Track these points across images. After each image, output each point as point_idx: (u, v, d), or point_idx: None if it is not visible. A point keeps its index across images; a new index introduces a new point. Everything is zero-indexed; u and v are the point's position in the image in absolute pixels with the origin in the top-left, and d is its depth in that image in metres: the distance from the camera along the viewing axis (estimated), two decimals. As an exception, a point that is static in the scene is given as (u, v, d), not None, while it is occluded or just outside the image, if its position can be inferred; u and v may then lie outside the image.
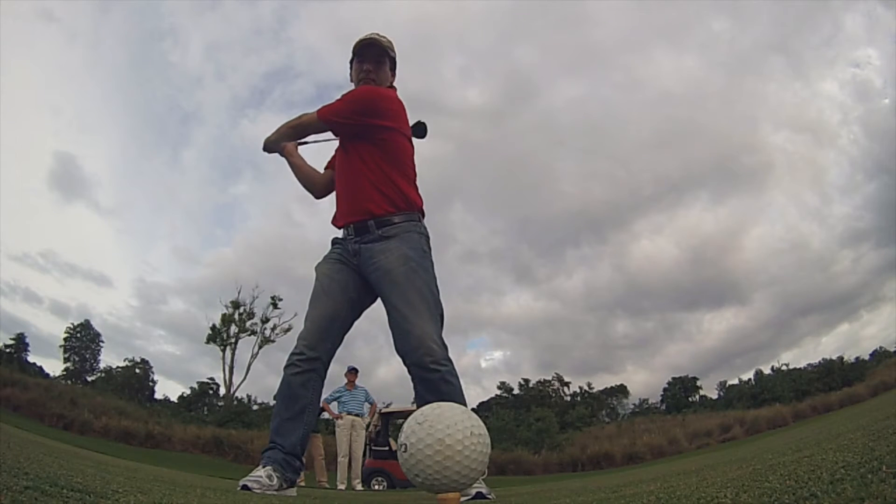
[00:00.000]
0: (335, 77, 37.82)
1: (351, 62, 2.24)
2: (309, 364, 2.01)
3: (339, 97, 2.16)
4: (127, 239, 39.70)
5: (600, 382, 30.73)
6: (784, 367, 24.97)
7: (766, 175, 34.78)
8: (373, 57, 2.17)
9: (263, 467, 1.90)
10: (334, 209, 2.25)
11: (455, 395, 1.85)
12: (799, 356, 32.22)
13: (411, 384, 1.97)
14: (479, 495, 1.78)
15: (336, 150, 2.32)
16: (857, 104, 33.76)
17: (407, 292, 1.95)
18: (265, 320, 23.87)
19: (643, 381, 40.56)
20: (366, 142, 2.12)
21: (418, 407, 1.91)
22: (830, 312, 30.86)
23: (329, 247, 2.24)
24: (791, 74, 36.28)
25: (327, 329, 2.07)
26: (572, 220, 38.24)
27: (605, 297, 37.60)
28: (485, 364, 35.63)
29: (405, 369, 1.93)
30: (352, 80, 2.26)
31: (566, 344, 37.25)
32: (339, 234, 2.23)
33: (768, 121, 36.88)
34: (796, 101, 34.44)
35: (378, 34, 2.20)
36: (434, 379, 1.87)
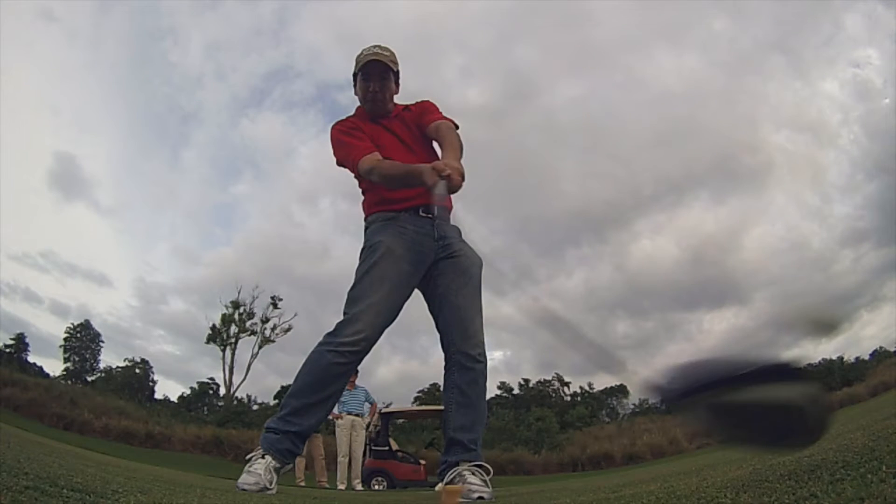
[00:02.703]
0: (335, 77, 37.69)
1: (354, 76, 2.20)
2: (357, 357, 1.92)
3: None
4: (127, 239, 39.86)
5: (600, 382, 30.68)
6: (784, 367, 24.93)
7: (766, 175, 34.79)
8: (377, 75, 2.14)
9: (263, 457, 1.83)
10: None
11: (484, 391, 2.03)
12: (799, 356, 32.11)
13: (443, 378, 2.03)
14: (481, 500, 1.78)
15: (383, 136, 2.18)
16: (857, 104, 33.78)
17: (475, 292, 2.07)
18: (265, 320, 23.95)
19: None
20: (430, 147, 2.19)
21: (447, 397, 1.98)
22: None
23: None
24: (791, 74, 36.32)
25: (387, 323, 1.97)
26: (572, 220, 38.25)
27: (605, 297, 37.59)
28: (485, 364, 35.50)
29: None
30: (356, 94, 2.23)
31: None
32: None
33: (769, 120, 36.84)
34: (797, 101, 34.42)
35: (380, 49, 2.15)
36: (477, 369, 1.99)
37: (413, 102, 2.28)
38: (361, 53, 2.16)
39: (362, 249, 2.07)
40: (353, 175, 2.17)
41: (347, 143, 2.11)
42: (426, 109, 2.22)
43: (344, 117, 2.24)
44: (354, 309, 1.93)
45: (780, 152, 32.46)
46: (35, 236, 35.15)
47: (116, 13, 35.16)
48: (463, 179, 1.82)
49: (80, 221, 34.92)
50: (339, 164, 2.16)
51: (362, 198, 2.21)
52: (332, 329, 1.94)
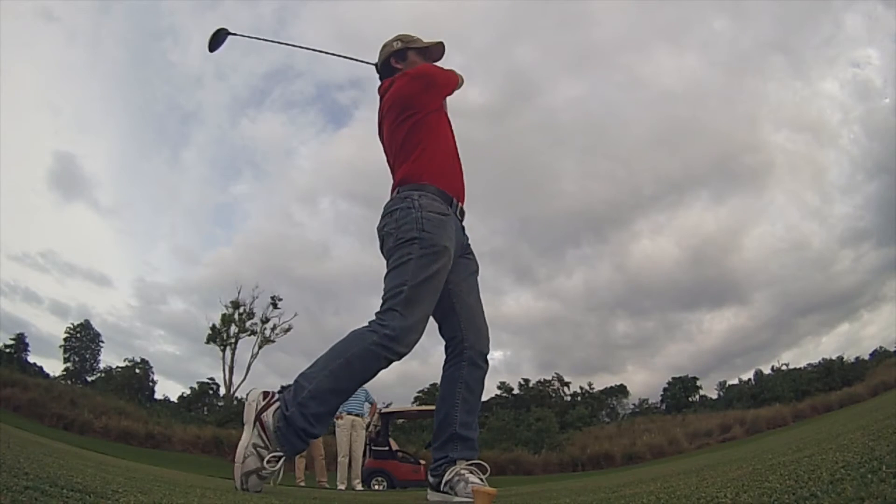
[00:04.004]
0: (335, 77, 37.79)
1: (405, 50, 2.22)
2: (396, 363, 1.82)
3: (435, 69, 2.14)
4: (127, 239, 39.82)
5: (600, 382, 30.70)
6: (784, 367, 24.98)
7: (766, 174, 34.80)
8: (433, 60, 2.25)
9: (279, 460, 1.70)
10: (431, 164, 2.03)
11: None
12: (799, 356, 32.10)
13: (442, 378, 2.01)
14: None
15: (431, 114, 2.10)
16: (857, 104, 33.83)
17: (480, 295, 2.13)
18: (265, 320, 23.95)
19: (643, 381, 40.62)
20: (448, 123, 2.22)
21: (451, 391, 1.95)
22: (830, 312, 30.81)
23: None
24: (791, 74, 36.37)
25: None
26: (572, 219, 38.26)
27: (605, 296, 37.64)
28: (485, 364, 35.45)
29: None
30: (399, 66, 2.21)
31: (566, 344, 37.25)
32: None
33: (769, 120, 36.85)
34: (797, 101, 34.52)
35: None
36: (485, 370, 2.03)
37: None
38: (411, 36, 2.25)
39: (414, 238, 1.85)
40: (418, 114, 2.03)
41: (444, 69, 2.16)
42: None
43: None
44: (414, 316, 1.80)
45: (780, 152, 32.55)
46: (35, 236, 35.28)
47: (116, 13, 35.19)
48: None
49: (80, 221, 35.03)
50: (438, 89, 2.10)
51: (408, 165, 2.02)
52: (388, 329, 1.76)
